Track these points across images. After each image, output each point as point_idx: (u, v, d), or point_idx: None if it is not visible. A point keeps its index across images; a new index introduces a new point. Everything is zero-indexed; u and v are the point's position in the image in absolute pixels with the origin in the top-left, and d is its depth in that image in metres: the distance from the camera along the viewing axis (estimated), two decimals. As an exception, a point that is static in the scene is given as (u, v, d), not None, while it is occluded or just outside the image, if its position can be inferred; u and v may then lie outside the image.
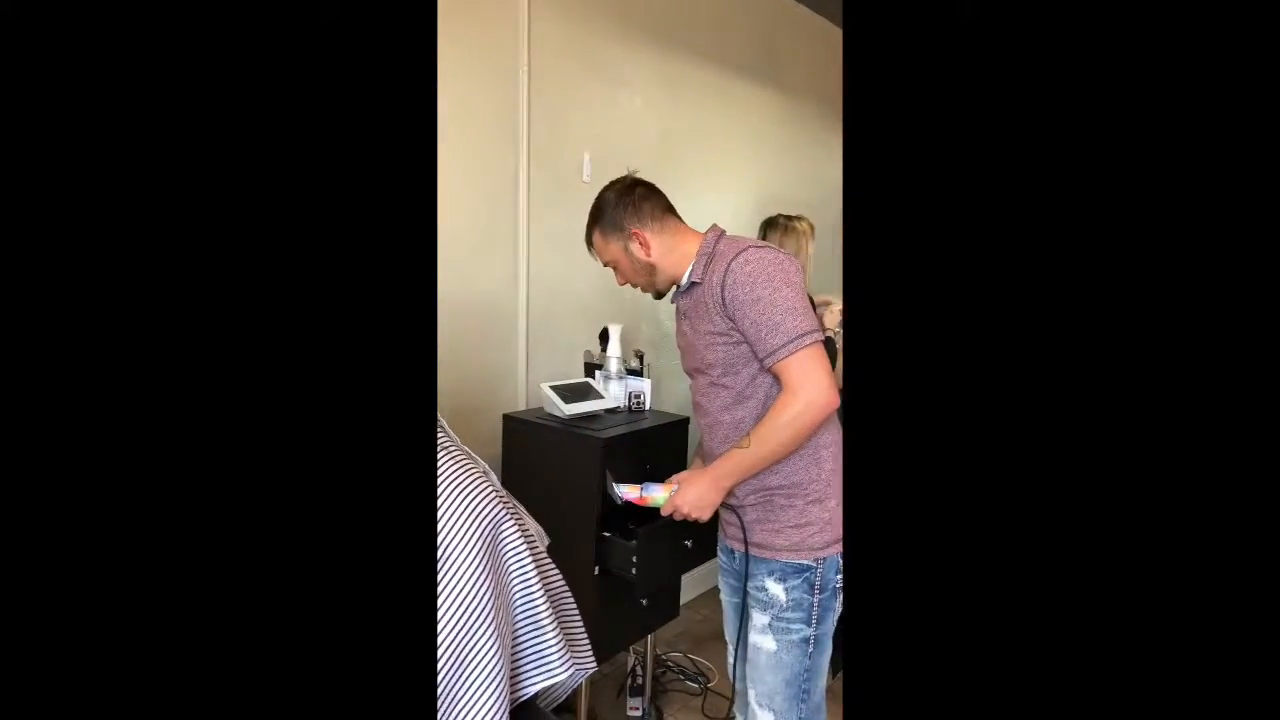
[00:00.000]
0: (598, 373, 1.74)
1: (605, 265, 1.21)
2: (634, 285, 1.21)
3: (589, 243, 1.20)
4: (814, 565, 1.09)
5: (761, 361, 1.05)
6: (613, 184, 1.18)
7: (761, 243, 1.08)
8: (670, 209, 1.17)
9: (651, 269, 1.16)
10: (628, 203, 1.14)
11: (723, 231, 1.15)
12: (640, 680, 1.78)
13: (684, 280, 1.15)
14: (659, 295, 1.21)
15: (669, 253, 1.14)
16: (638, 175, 1.19)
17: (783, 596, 1.10)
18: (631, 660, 1.80)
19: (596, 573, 1.43)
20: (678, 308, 1.21)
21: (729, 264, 1.05)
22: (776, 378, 1.05)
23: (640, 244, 1.14)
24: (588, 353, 1.85)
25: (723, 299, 1.05)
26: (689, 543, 1.50)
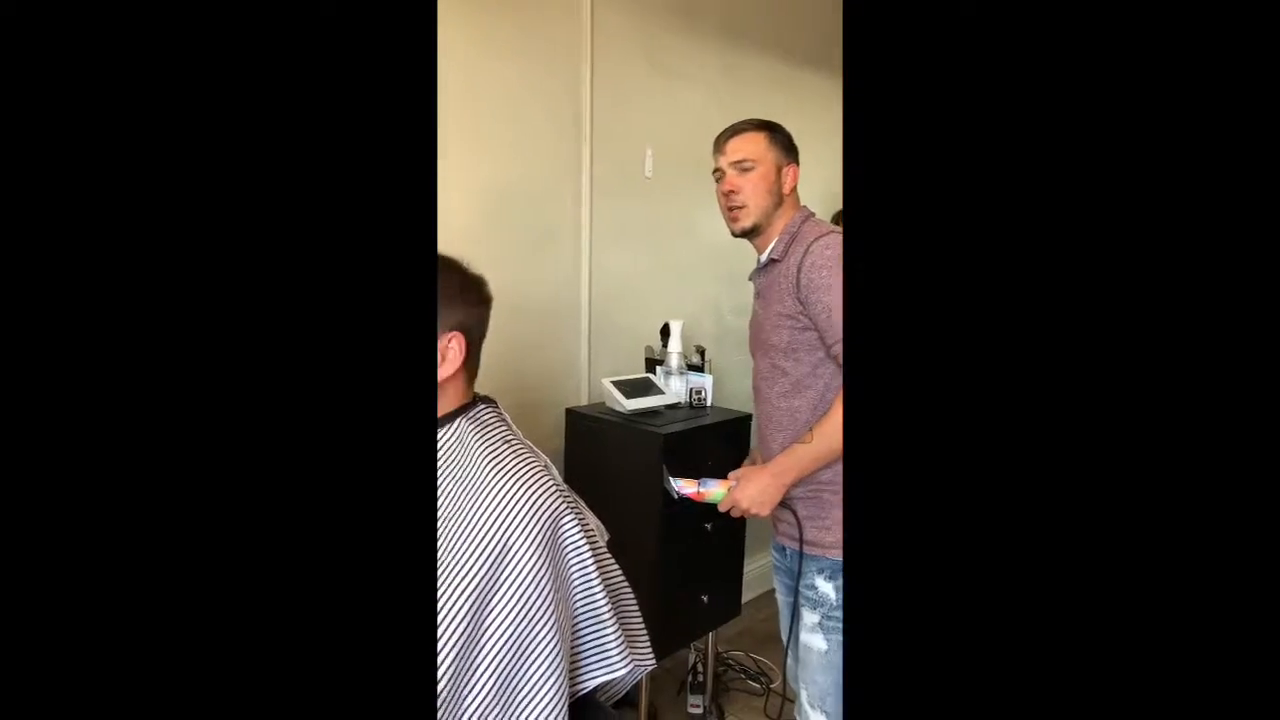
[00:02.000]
0: (659, 368, 1.74)
1: (736, 161, 1.13)
2: (731, 204, 1.14)
3: (737, 131, 1.14)
4: None
5: (829, 348, 1.03)
6: None
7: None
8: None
9: (775, 199, 1.13)
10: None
11: (810, 214, 1.14)
12: (701, 678, 1.76)
13: (764, 256, 1.15)
14: (739, 230, 1.15)
15: (786, 203, 1.14)
16: None
17: (833, 595, 1.07)
18: (693, 657, 1.79)
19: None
20: (754, 287, 1.21)
21: (809, 246, 1.04)
22: (843, 368, 1.03)
23: (791, 177, 1.15)
24: (649, 348, 1.85)
25: (797, 281, 1.04)
26: (709, 525, 1.48)
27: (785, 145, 1.15)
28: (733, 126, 1.16)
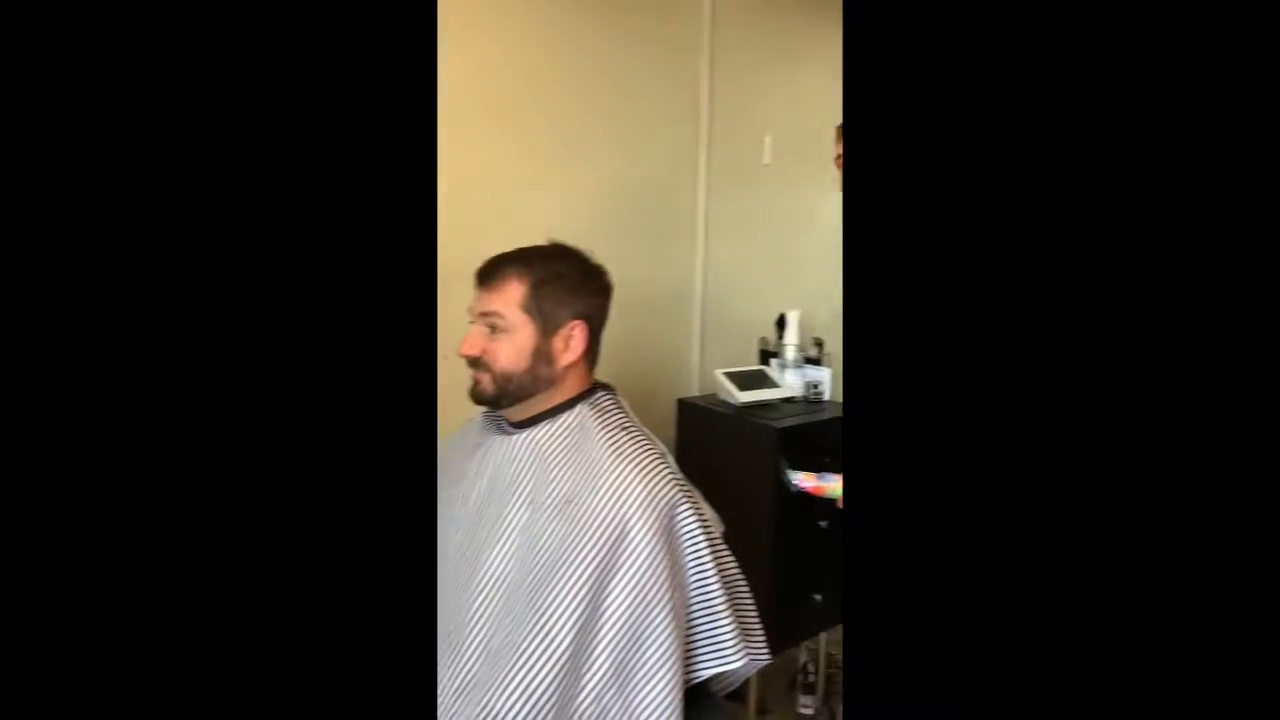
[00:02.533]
0: (773, 360, 1.70)
1: None
2: None
3: None
4: None
5: None
6: None
7: None
8: None
9: None
10: None
11: None
12: (813, 679, 1.72)
13: None
14: None
15: None
16: None
17: None
18: (803, 657, 1.75)
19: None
20: None
21: None
22: None
23: None
24: (763, 340, 1.81)
25: None
26: (824, 524, 1.42)
27: None
28: None
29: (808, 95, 1.90)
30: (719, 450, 1.54)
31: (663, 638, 0.72)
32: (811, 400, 1.61)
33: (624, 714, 0.71)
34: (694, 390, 1.78)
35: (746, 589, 0.88)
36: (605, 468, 0.78)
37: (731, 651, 0.80)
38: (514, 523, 0.79)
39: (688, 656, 0.79)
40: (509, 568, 0.77)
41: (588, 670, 0.71)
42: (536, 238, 0.90)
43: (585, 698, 0.70)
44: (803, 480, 1.15)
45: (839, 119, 1.14)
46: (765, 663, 0.85)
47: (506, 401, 0.85)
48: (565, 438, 0.83)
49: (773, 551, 1.43)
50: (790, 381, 1.62)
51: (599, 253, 0.91)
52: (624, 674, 0.72)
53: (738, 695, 1.58)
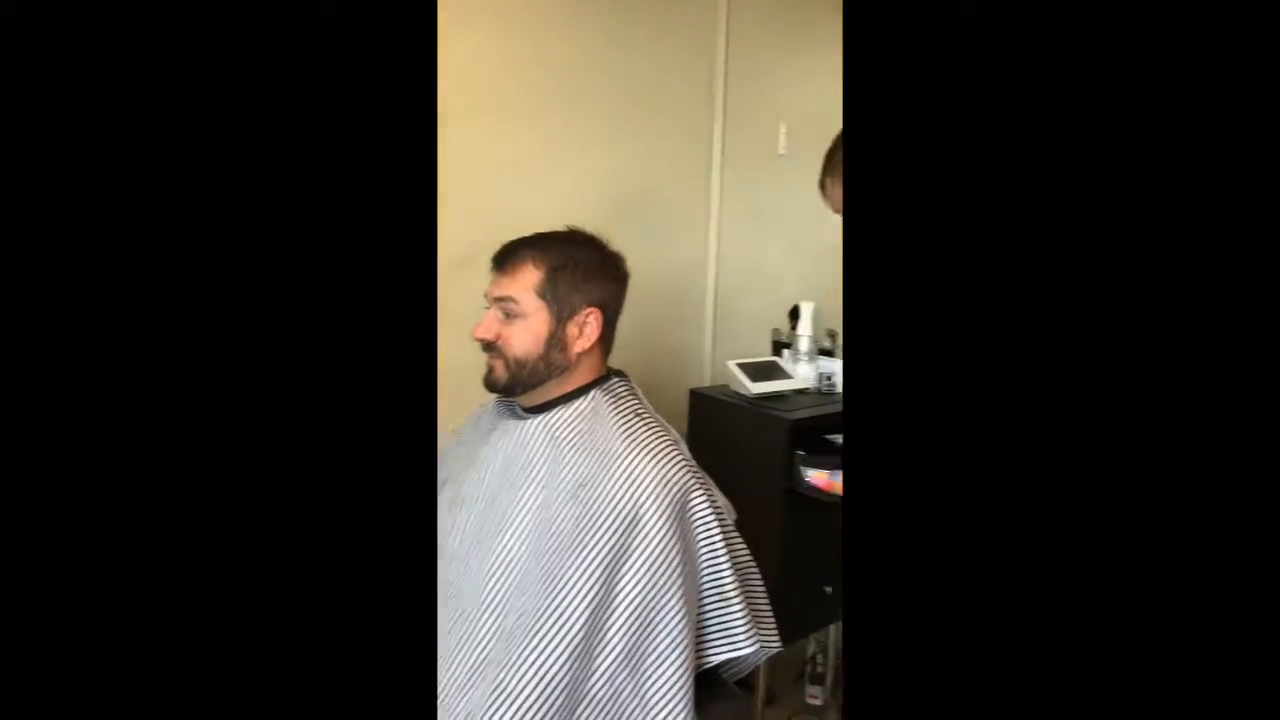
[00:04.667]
0: (785, 352, 1.70)
1: None
2: None
3: None
4: None
5: None
6: None
7: None
8: None
9: None
10: None
11: None
12: (821, 669, 1.73)
13: None
14: None
15: None
16: None
17: None
18: (812, 648, 1.76)
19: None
20: None
21: None
22: None
23: None
24: (775, 331, 1.81)
25: None
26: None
27: None
28: None
29: (824, 83, 1.88)
30: (730, 441, 1.54)
31: (675, 621, 0.73)
32: (824, 392, 1.61)
33: (636, 696, 0.72)
34: (706, 381, 1.78)
35: (758, 577, 0.88)
36: (619, 453, 0.78)
37: (743, 637, 0.80)
38: (528, 506, 0.80)
39: (699, 641, 0.80)
40: (523, 550, 0.78)
41: (600, 652, 0.71)
42: (552, 225, 0.90)
43: (598, 679, 0.71)
44: (815, 477, 1.15)
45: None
46: (776, 650, 0.86)
47: (519, 388, 0.85)
48: (579, 423, 0.84)
49: (783, 542, 1.43)
50: (803, 373, 1.62)
51: (612, 241, 0.91)
52: (636, 656, 0.72)
53: (746, 684, 1.59)
